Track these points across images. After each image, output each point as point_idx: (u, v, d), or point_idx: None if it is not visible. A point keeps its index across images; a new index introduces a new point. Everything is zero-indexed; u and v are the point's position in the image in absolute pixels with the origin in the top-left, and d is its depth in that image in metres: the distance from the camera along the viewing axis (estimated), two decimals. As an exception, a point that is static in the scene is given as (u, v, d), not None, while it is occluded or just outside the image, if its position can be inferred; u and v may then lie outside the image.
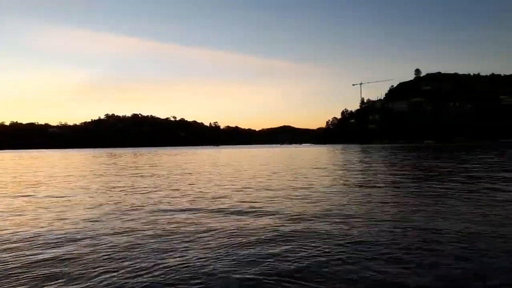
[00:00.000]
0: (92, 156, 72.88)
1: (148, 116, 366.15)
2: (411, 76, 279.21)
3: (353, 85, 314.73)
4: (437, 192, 13.40)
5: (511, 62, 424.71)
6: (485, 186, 14.57)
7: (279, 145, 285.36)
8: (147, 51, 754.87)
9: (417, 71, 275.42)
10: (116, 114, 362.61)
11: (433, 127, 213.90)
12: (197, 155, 66.11)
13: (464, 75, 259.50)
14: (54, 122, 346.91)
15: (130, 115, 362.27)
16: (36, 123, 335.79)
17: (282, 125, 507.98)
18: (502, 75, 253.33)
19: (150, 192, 14.88)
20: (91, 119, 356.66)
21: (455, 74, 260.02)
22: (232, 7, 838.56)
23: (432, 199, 11.65)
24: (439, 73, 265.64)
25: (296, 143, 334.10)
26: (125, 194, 14.22)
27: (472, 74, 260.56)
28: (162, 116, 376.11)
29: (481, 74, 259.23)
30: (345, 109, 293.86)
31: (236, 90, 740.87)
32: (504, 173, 20.24)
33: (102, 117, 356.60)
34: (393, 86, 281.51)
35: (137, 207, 11.11)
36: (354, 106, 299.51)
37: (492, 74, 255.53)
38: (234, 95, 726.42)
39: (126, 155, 70.36)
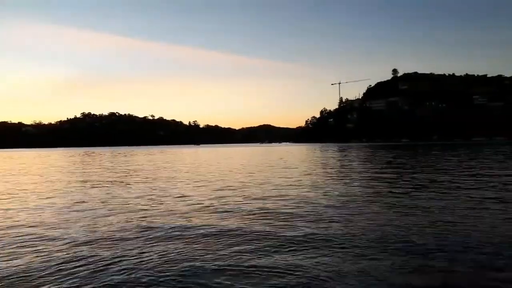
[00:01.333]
0: (67, 155, 71.15)
1: (125, 115, 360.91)
2: (388, 76, 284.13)
3: (332, 84, 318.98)
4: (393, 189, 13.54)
5: (484, 62, 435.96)
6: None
7: (259, 144, 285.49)
8: (125, 49, 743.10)
9: (394, 71, 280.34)
10: (92, 113, 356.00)
11: (410, 126, 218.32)
12: (171, 154, 65.24)
13: (439, 75, 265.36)
14: (28, 121, 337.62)
15: (107, 114, 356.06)
16: (9, 122, 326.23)
17: (262, 124, 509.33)
18: (475, 75, 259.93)
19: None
20: (67, 118, 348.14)
21: (431, 74, 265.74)
22: (212, 5, 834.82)
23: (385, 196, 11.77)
24: (416, 73, 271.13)
25: (276, 142, 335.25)
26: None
27: (447, 74, 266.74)
28: (140, 115, 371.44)
29: (455, 74, 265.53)
30: (324, 108, 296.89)
31: (216, 88, 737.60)
32: (463, 170, 20.70)
33: (78, 116, 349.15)
34: (371, 85, 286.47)
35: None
36: (333, 105, 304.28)
37: (466, 74, 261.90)
38: (214, 94, 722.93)
39: (101, 155, 68.99)
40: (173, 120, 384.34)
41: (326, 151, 63.13)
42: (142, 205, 11.25)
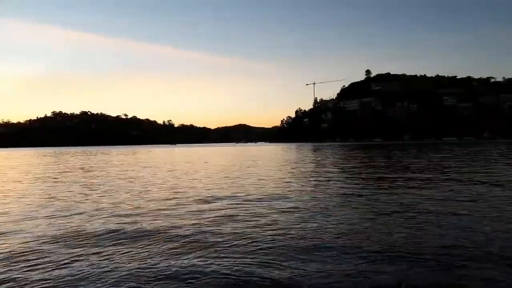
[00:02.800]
0: (28, 156, 69.02)
1: (98, 114, 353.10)
2: (362, 77, 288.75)
3: (307, 84, 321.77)
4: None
5: (453, 64, 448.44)
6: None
7: (234, 143, 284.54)
8: (98, 46, 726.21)
9: (368, 71, 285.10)
10: (63, 111, 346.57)
11: (382, 126, 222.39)
12: (139, 154, 63.97)
13: (411, 76, 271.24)
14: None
15: (78, 113, 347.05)
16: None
17: (237, 123, 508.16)
18: (446, 76, 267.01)
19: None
20: (37, 117, 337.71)
21: (403, 75, 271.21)
22: (186, 3, 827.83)
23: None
24: (388, 73, 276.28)
25: (251, 141, 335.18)
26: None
27: (418, 75, 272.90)
28: (113, 114, 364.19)
29: (427, 75, 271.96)
30: (299, 108, 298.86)
31: (191, 87, 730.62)
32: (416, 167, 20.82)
33: (49, 114, 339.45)
34: (345, 86, 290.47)
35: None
36: (308, 105, 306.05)
37: (437, 75, 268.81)
38: (188, 93, 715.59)
39: (67, 154, 67.20)
40: (147, 120, 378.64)
41: (299, 151, 63.10)
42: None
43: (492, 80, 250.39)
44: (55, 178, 18.90)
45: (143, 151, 76.64)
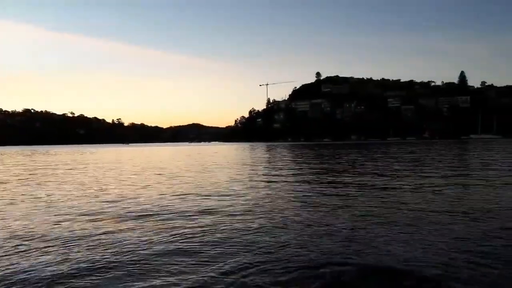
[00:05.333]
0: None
1: (42, 111, 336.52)
2: (313, 79, 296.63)
3: (260, 85, 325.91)
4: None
5: (401, 67, 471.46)
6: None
7: (187, 143, 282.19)
8: (42, 40, 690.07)
9: (318, 74, 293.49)
10: (4, 109, 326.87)
11: (331, 126, 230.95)
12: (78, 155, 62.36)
13: (359, 78, 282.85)
14: None
15: (20, 110, 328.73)
16: None
17: (191, 122, 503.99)
18: (391, 80, 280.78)
19: None
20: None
21: (351, 78, 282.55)
22: (141, 1, 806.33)
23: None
24: (337, 76, 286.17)
25: (205, 141, 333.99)
26: None
27: (365, 78, 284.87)
28: (59, 112, 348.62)
29: (373, 78, 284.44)
30: (253, 108, 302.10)
31: (141, 86, 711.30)
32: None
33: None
34: (296, 87, 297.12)
35: None
36: (261, 105, 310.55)
37: (382, 79, 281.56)
38: (139, 91, 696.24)
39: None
40: (95, 118, 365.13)
41: (252, 150, 64.43)
42: None
43: (432, 84, 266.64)
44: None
45: (88, 151, 72.27)
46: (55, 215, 8.33)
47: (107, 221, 7.66)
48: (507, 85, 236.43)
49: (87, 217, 8.01)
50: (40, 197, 11.26)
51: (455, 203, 8.86)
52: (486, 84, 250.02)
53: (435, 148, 52.85)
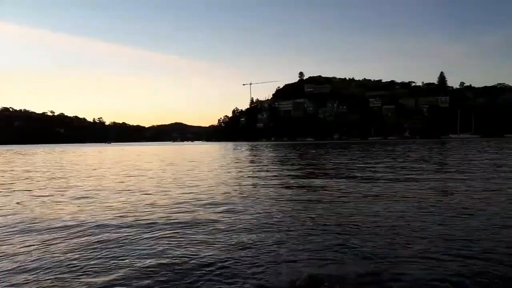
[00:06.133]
0: None
1: (20, 110, 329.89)
2: (296, 78, 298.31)
3: (244, 84, 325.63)
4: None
5: (382, 68, 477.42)
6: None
7: (170, 142, 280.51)
8: (22, 38, 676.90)
9: (301, 73, 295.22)
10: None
11: (314, 125, 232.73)
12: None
13: (341, 79, 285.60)
14: None
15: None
16: None
17: (173, 122, 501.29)
18: (372, 80, 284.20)
19: None
20: None
21: (333, 78, 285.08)
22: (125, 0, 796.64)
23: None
24: (320, 76, 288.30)
25: (188, 140, 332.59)
26: None
27: (347, 78, 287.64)
28: (38, 110, 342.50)
29: (355, 78, 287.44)
30: (236, 108, 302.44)
31: (123, 85, 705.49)
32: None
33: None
34: (279, 87, 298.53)
35: None
36: (245, 105, 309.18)
37: (364, 79, 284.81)
38: (121, 91, 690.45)
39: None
40: (76, 117, 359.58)
41: (236, 149, 64.51)
42: None
43: (413, 84, 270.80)
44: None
45: (70, 150, 71.38)
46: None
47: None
48: (484, 86, 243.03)
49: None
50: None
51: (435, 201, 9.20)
52: (464, 84, 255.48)
53: (415, 148, 53.78)
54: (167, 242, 5.94)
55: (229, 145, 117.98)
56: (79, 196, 11.21)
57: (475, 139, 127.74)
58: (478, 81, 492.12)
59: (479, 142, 77.61)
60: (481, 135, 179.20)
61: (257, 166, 22.55)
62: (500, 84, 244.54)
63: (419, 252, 5.24)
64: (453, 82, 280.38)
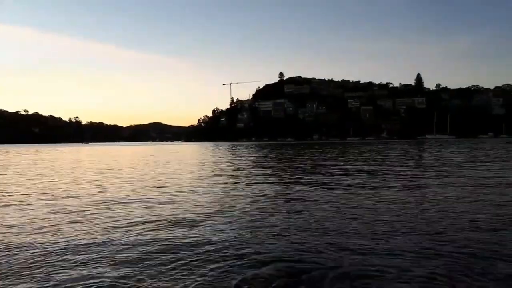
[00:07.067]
0: None
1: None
2: (276, 79, 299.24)
3: (224, 84, 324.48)
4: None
5: (360, 69, 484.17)
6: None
7: (149, 142, 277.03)
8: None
9: (281, 74, 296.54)
10: None
11: (294, 126, 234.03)
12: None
13: (320, 79, 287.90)
14: None
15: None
16: None
17: (152, 121, 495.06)
18: (351, 81, 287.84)
19: None
20: None
21: (313, 79, 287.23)
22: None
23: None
24: (300, 77, 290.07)
25: (167, 140, 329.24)
26: None
27: (327, 79, 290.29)
28: (11, 109, 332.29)
29: (334, 79, 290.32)
30: (216, 107, 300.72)
31: (99, 83, 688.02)
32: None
33: None
34: (259, 87, 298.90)
35: None
36: (225, 105, 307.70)
37: (343, 80, 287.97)
38: (97, 89, 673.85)
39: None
40: (51, 116, 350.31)
41: (216, 150, 63.77)
42: None
43: (390, 85, 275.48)
44: None
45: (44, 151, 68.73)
46: None
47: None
48: (459, 88, 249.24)
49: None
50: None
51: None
52: (440, 86, 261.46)
53: (392, 147, 54.50)
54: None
55: (209, 145, 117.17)
56: None
57: (450, 140, 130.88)
58: (453, 83, 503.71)
59: (453, 143, 79.35)
60: (456, 136, 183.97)
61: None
62: (474, 86, 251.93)
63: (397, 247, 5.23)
64: (429, 83, 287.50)
